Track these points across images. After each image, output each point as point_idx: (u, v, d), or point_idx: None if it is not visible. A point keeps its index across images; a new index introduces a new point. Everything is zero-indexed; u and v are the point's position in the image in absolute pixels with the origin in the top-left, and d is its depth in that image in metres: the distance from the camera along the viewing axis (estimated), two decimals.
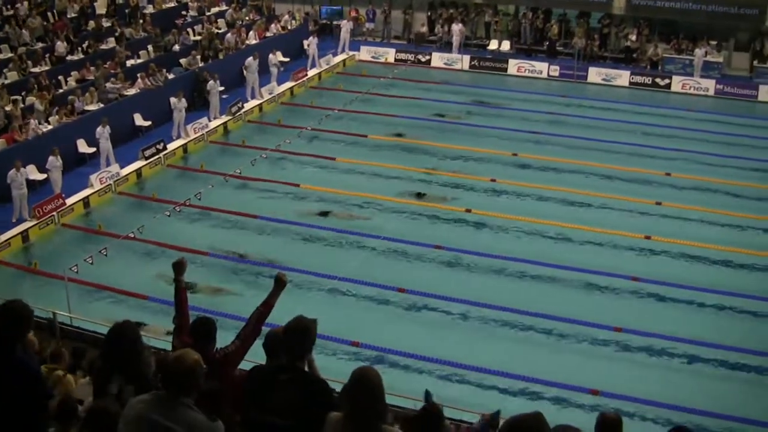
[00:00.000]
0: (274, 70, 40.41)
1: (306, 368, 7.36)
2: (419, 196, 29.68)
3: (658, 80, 43.83)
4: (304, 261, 24.57)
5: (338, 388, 6.99)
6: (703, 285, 23.91)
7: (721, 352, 20.94)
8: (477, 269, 24.75)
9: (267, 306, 8.46)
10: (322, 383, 7.22)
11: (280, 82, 40.52)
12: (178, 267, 8.94)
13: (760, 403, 19.24)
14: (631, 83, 43.89)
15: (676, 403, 18.41)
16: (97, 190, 29.11)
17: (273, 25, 47.07)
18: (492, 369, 19.46)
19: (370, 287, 23.34)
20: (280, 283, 8.50)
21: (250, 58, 38.78)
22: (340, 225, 27.20)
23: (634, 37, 46.67)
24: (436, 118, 37.31)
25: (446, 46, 47.56)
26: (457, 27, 47.14)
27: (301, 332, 7.21)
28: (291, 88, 40.97)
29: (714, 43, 45.55)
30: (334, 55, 45.62)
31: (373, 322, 21.95)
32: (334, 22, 50.20)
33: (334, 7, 51.53)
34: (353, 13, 50.22)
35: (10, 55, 36.07)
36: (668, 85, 43.52)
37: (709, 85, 43.27)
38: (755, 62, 45.18)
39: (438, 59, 46.21)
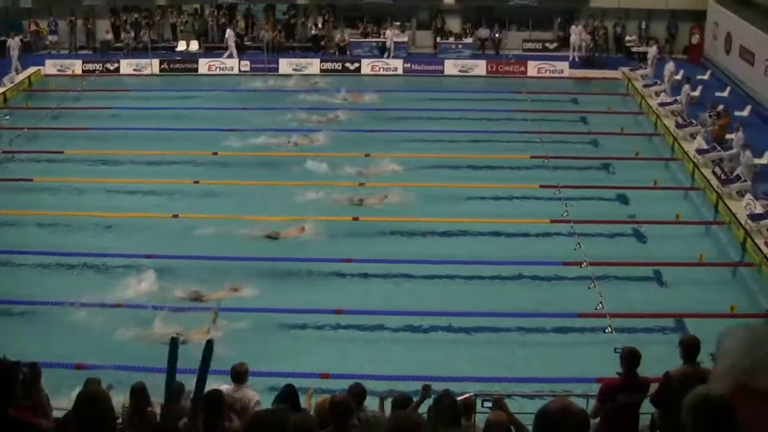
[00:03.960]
0: None
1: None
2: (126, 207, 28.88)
3: (348, 65, 44.83)
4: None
5: None
6: (404, 257, 24.81)
7: (436, 318, 21.82)
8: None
9: None
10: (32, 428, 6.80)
11: None
12: None
13: (490, 362, 20.18)
14: (321, 70, 44.65)
15: (406, 374, 18.78)
16: None
17: None
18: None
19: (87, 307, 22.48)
20: None
21: None
22: (43, 246, 26.00)
23: (320, 25, 47.40)
24: (133, 126, 36.29)
25: (133, 52, 46.55)
26: (231, 32, 46.19)
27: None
28: None
29: (398, 23, 47.00)
30: (18, 72, 43.66)
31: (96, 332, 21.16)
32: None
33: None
34: (33, 26, 48.15)
35: None
36: (358, 69, 44.63)
37: (398, 64, 44.68)
38: (438, 39, 46.94)
39: (127, 66, 45.20)
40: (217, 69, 45.11)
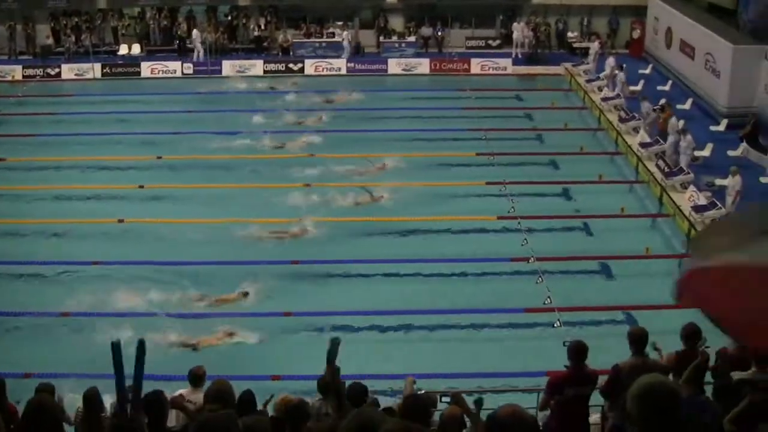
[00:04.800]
0: None
1: None
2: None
3: (291, 65, 44.72)
4: None
5: None
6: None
7: (385, 317, 22.01)
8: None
9: None
10: None
11: None
12: None
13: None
14: (265, 71, 44.49)
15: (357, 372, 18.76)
16: None
17: None
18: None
19: None
20: None
21: None
22: None
23: (262, 26, 47.22)
24: (78, 132, 35.85)
25: (75, 57, 45.95)
26: (198, 33, 45.72)
27: None
28: None
29: (340, 23, 46.96)
30: None
31: None
32: None
33: None
34: None
35: None
36: (302, 69, 44.53)
37: (341, 64, 44.63)
38: (381, 38, 46.95)
39: (68, 71, 44.61)
40: (160, 72, 44.72)
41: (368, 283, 23.91)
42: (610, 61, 40.01)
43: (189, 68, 44.69)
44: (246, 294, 23.04)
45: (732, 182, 26.46)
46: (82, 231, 27.28)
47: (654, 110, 33.80)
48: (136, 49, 47.18)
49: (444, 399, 10.03)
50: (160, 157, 32.73)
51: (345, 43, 45.58)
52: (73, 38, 46.70)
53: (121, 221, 27.60)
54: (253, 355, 20.60)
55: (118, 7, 48.25)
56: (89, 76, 44.47)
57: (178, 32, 47.01)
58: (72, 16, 47.59)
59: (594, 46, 43.42)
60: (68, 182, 30.77)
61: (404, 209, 28.17)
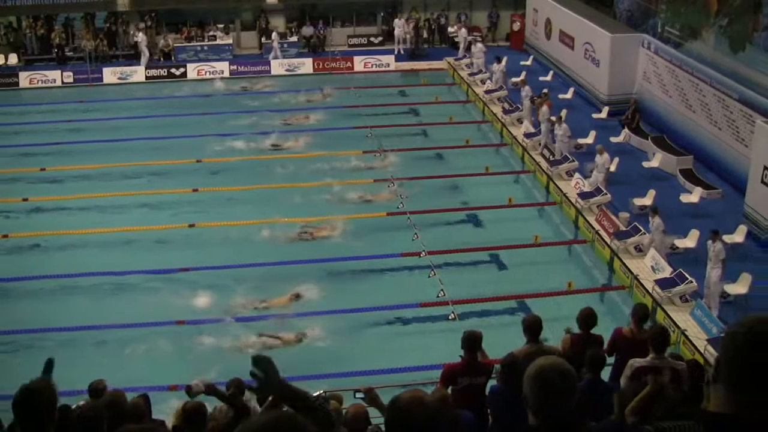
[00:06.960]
0: None
1: None
2: None
3: (173, 70, 44.03)
4: None
5: None
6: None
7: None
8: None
9: None
10: None
11: None
12: None
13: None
14: (147, 77, 43.70)
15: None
16: None
17: None
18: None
19: None
20: None
21: None
22: None
23: (144, 31, 46.45)
24: None
25: None
26: (143, 36, 44.75)
27: None
28: None
29: (221, 26, 46.54)
30: None
31: None
32: None
33: None
34: None
35: None
36: (184, 74, 43.82)
37: (224, 67, 44.13)
38: (263, 39, 46.65)
39: None
40: (39, 82, 43.56)
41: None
42: (480, 46, 40.99)
43: (69, 77, 43.62)
44: (298, 296, 22.83)
45: (601, 160, 27.40)
46: None
47: (532, 100, 34.30)
48: (13, 59, 45.93)
49: (358, 395, 9.96)
50: (43, 169, 31.99)
51: (274, 45, 44.97)
52: None
53: (5, 236, 26.91)
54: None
55: None
56: None
57: (57, 40, 45.96)
58: None
59: (461, 33, 44.26)
60: None
61: (295, 209, 27.98)
